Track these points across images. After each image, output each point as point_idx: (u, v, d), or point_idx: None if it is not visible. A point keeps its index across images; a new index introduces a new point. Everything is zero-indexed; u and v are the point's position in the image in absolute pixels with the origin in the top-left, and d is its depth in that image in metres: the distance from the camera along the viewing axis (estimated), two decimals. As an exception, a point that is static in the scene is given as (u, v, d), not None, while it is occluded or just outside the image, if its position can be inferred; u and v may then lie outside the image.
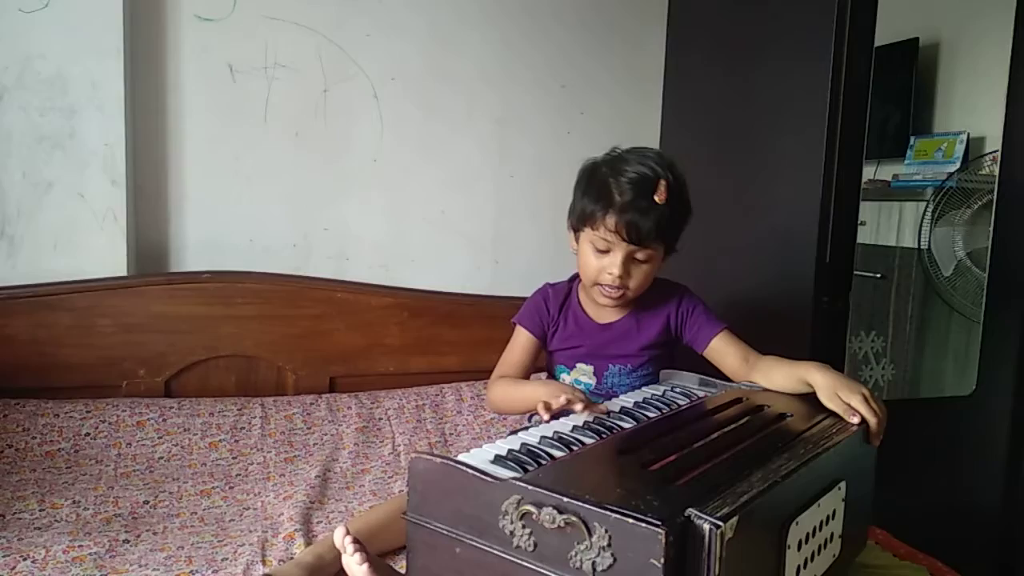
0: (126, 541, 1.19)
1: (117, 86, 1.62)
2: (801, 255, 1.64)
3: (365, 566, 0.95)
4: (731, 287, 1.81)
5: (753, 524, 0.70)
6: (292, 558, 1.13)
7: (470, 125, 2.02)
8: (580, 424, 0.97)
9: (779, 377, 1.13)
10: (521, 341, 1.34)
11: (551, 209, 2.09)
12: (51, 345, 1.58)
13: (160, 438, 1.51)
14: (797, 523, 0.79)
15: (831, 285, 1.63)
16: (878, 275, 2.41)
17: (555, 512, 0.68)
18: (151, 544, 1.18)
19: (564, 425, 0.96)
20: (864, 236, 2.23)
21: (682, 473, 0.77)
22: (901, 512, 1.28)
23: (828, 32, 1.57)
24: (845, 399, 1.00)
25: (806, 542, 0.81)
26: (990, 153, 2.24)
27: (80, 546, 1.14)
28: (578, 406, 1.02)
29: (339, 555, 0.99)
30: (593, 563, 0.67)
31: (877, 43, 1.60)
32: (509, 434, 0.94)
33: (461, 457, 0.81)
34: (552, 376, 1.35)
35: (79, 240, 1.63)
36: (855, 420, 0.98)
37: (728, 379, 1.23)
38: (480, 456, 0.83)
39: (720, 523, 0.65)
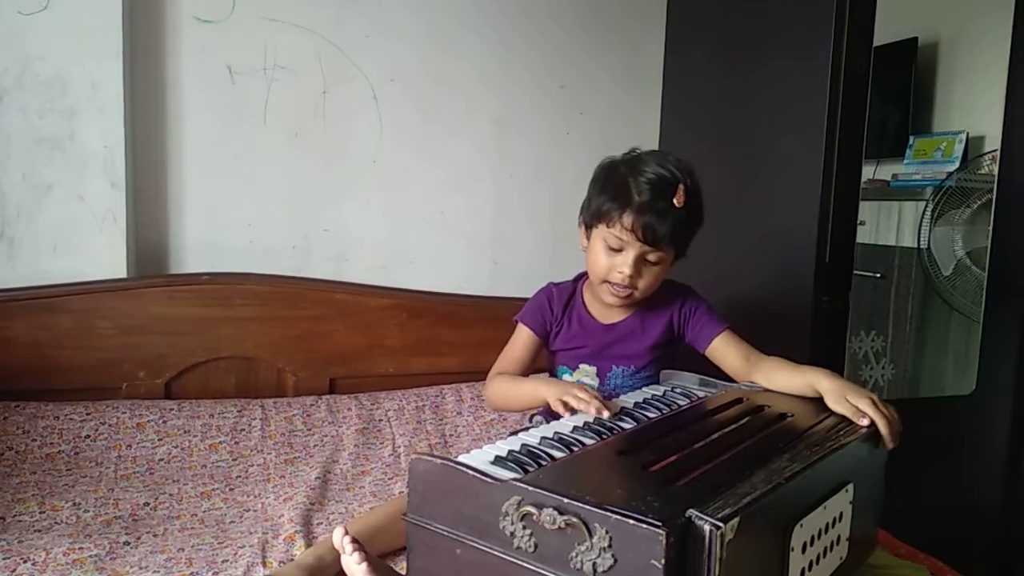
0: (126, 543, 1.19)
1: (117, 88, 1.62)
2: (801, 255, 1.64)
3: (364, 566, 0.94)
4: (731, 287, 1.81)
5: (755, 525, 0.70)
6: (292, 559, 1.13)
7: (469, 126, 2.02)
8: (580, 425, 0.97)
9: (782, 379, 1.13)
10: (523, 338, 1.33)
11: (550, 210, 2.10)
12: (51, 347, 1.58)
13: (160, 440, 1.51)
14: (802, 525, 0.78)
15: (831, 285, 1.63)
16: (878, 275, 2.41)
17: (556, 513, 0.68)
18: (151, 546, 1.18)
19: (564, 426, 0.96)
20: (864, 236, 2.23)
21: (683, 474, 0.77)
22: (901, 512, 1.28)
23: (827, 32, 1.57)
24: (854, 402, 1.00)
25: (811, 544, 0.81)
26: (989, 152, 2.24)
27: (80, 548, 1.14)
28: (593, 409, 1.01)
29: (339, 556, 0.99)
30: (594, 564, 0.66)
31: (876, 43, 1.60)
32: (509, 435, 0.94)
33: (461, 458, 0.81)
34: (554, 376, 1.35)
35: (79, 242, 1.62)
36: (864, 422, 0.98)
37: (729, 379, 1.23)
38: (480, 457, 0.83)
39: (721, 524, 0.65)
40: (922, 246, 2.32)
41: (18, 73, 1.55)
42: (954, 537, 1.50)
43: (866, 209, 2.29)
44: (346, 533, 0.97)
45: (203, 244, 1.79)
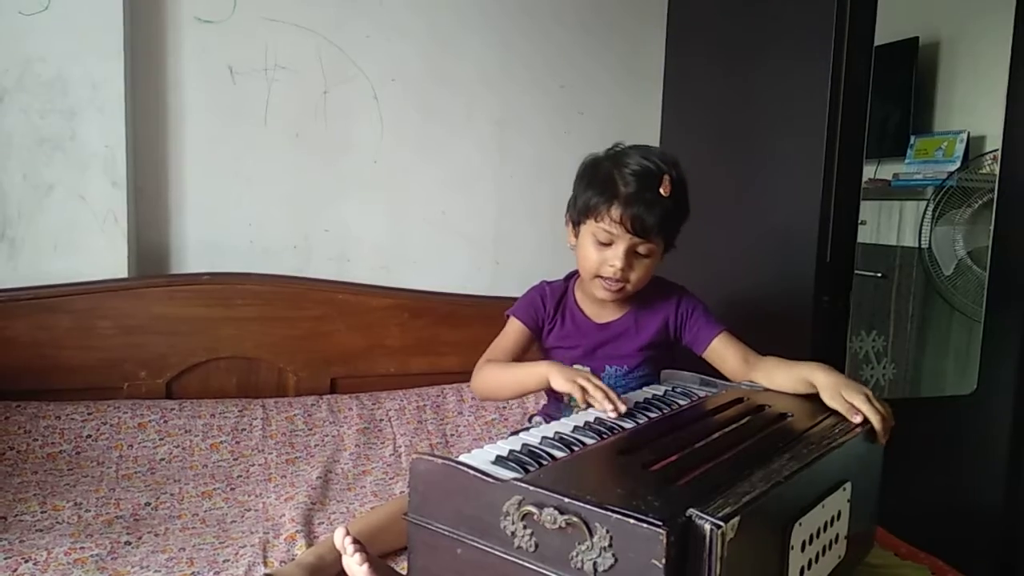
0: (127, 543, 1.19)
1: (117, 88, 1.62)
2: (801, 255, 1.64)
3: (365, 566, 0.95)
4: (731, 287, 1.81)
5: (755, 524, 0.70)
6: (293, 559, 1.13)
7: (470, 126, 2.02)
8: (581, 424, 0.97)
9: (781, 377, 1.13)
10: (514, 330, 1.32)
11: (551, 209, 2.09)
12: (52, 347, 1.58)
13: (161, 440, 1.51)
14: (800, 524, 0.79)
15: (831, 284, 1.62)
16: (879, 274, 2.41)
17: (556, 512, 0.68)
18: (153, 546, 1.18)
19: (565, 426, 0.96)
20: (864, 235, 2.23)
21: (683, 473, 0.77)
22: (902, 511, 1.28)
23: (828, 32, 1.57)
24: (848, 398, 1.00)
25: (810, 543, 0.81)
26: (990, 152, 2.24)
27: (82, 548, 1.14)
28: (608, 405, 1.00)
29: (340, 555, 0.99)
30: (594, 563, 0.67)
31: (877, 42, 1.60)
32: (510, 435, 0.94)
33: (462, 458, 0.81)
34: None
35: (80, 242, 1.63)
36: (857, 419, 0.98)
37: (728, 380, 1.22)
38: (481, 457, 0.83)
39: (721, 523, 0.65)
40: (923, 246, 2.32)
41: (19, 73, 1.55)
42: (955, 536, 1.50)
43: (867, 209, 2.29)
44: (347, 534, 0.97)
45: (204, 244, 1.79)
